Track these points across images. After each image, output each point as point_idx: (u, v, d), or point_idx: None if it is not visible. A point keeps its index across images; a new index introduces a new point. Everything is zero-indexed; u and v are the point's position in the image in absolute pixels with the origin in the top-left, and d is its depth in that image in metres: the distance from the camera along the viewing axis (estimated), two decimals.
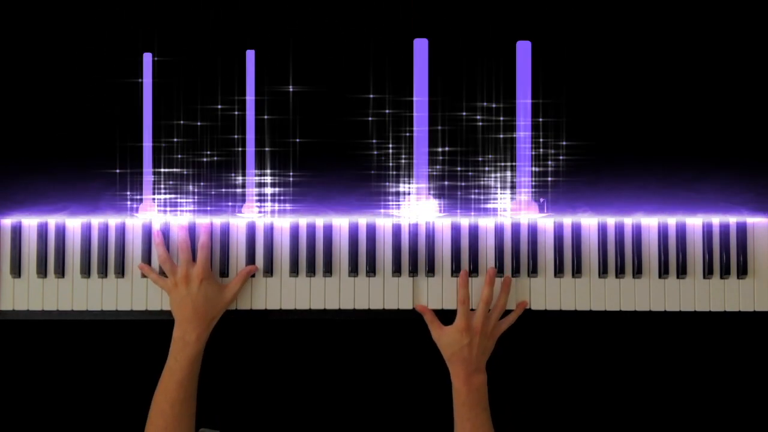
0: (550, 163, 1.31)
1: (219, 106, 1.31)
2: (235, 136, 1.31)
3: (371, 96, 1.31)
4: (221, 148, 1.31)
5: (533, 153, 1.31)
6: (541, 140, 1.31)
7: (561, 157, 1.31)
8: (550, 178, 1.30)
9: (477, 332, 1.23)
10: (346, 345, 1.43)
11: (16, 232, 1.30)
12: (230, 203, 1.31)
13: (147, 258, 1.29)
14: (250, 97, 1.32)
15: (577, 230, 1.30)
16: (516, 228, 1.30)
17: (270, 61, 1.31)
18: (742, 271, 1.29)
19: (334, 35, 1.32)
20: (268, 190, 1.31)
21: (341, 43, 1.31)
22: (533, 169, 1.31)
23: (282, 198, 1.31)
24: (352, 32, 1.31)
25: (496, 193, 1.31)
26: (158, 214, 1.30)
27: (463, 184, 1.31)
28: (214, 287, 1.25)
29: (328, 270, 1.30)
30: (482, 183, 1.31)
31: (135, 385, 1.43)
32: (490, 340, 1.25)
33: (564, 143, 1.31)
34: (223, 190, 1.31)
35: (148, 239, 1.30)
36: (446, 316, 1.28)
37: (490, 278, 1.26)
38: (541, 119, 1.31)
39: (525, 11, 1.32)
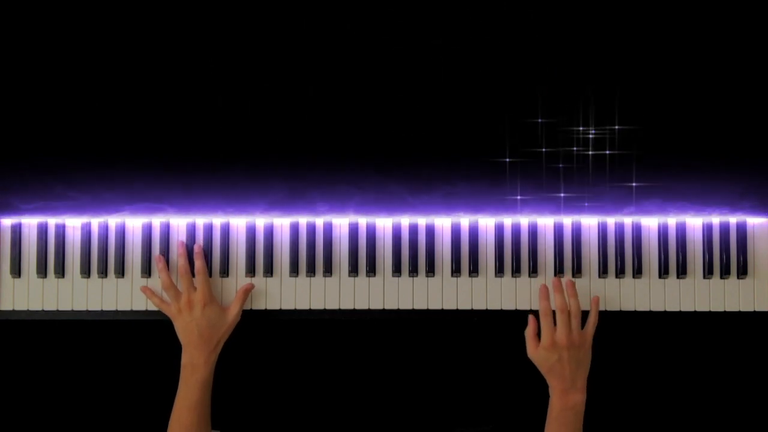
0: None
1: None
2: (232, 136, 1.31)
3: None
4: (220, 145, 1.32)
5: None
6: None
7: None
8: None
9: (563, 346, 1.20)
10: (345, 345, 1.43)
11: (16, 232, 1.30)
12: (229, 202, 1.31)
13: (147, 258, 1.29)
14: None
15: (577, 230, 1.30)
16: (516, 228, 1.30)
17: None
18: (742, 271, 1.29)
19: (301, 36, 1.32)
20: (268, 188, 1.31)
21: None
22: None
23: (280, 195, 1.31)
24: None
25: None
26: (158, 215, 1.30)
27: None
28: (216, 311, 1.25)
29: (328, 270, 1.30)
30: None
31: (135, 385, 1.43)
32: (581, 349, 1.22)
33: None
34: (223, 188, 1.31)
35: (148, 239, 1.30)
36: (445, 316, 1.28)
37: (557, 286, 1.25)
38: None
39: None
